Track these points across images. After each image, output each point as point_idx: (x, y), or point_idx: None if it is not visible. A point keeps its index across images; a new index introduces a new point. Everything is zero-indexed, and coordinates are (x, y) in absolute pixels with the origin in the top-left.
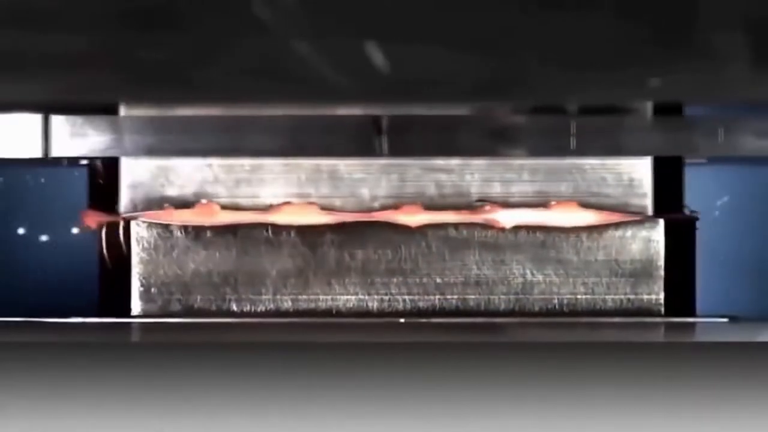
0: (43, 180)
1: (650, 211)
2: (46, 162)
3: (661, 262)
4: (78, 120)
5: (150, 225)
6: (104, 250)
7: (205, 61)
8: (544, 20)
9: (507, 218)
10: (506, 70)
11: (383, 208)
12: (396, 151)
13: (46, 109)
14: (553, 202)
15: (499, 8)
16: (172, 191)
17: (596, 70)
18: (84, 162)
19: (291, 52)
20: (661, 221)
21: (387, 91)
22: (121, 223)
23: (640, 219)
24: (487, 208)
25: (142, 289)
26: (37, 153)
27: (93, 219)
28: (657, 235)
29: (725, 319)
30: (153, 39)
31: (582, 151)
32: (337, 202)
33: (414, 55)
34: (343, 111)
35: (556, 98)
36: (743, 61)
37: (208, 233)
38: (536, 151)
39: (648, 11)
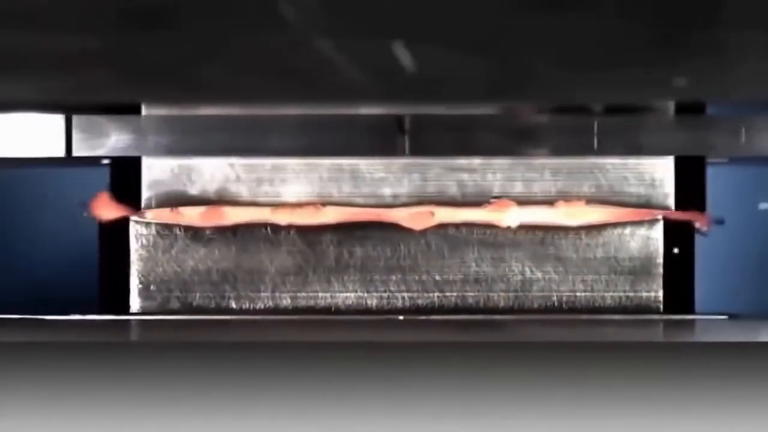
0: (64, 179)
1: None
2: (67, 161)
3: (660, 260)
4: (99, 120)
5: (149, 223)
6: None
7: (223, 60)
8: (562, 21)
9: (517, 217)
10: (526, 70)
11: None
12: (418, 150)
13: (68, 109)
14: (560, 201)
15: (519, 9)
16: (193, 190)
17: (614, 69)
18: (105, 161)
19: (311, 51)
20: (661, 219)
21: (408, 90)
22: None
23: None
24: (494, 203)
25: (140, 286)
26: (60, 152)
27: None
28: (656, 233)
29: (724, 317)
30: (161, 38)
31: (604, 151)
32: (359, 201)
33: (434, 54)
34: (364, 110)
35: (578, 98)
36: (760, 59)
37: (208, 231)
38: (558, 151)
39: (666, 9)
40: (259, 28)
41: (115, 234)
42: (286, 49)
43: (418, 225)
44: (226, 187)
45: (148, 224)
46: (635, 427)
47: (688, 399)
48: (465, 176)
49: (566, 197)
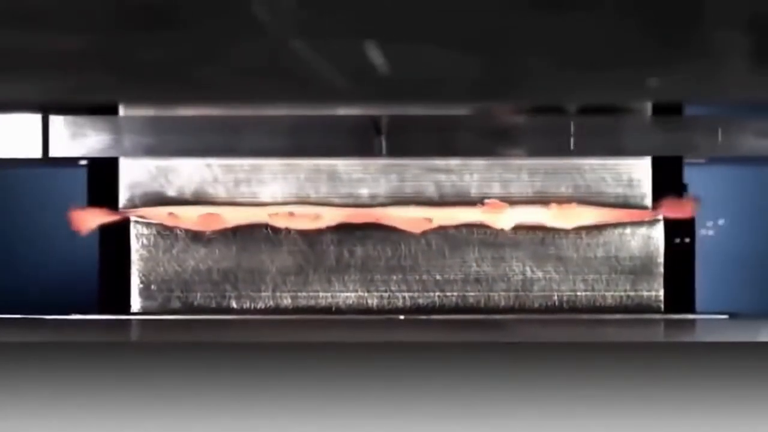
0: (42, 179)
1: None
2: (46, 161)
3: (661, 259)
4: (77, 120)
5: (150, 223)
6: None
7: (204, 61)
8: (543, 20)
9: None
10: (505, 70)
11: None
12: (395, 151)
13: (45, 109)
14: (553, 203)
15: (498, 8)
16: (171, 191)
17: (596, 69)
18: (83, 162)
19: (290, 52)
20: (661, 219)
21: (386, 91)
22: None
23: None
24: (488, 204)
25: (141, 286)
26: (36, 153)
27: (95, 217)
28: (656, 232)
29: (725, 316)
30: (152, 38)
31: (581, 152)
32: (336, 202)
33: (413, 55)
34: (342, 111)
35: (556, 98)
36: (743, 61)
37: (208, 231)
38: (535, 152)
39: (648, 11)
40: (236, 30)
41: (116, 234)
42: (262, 51)
43: (414, 229)
44: (204, 187)
45: (148, 224)
46: (635, 427)
47: (688, 399)
48: (442, 177)
49: (545, 198)
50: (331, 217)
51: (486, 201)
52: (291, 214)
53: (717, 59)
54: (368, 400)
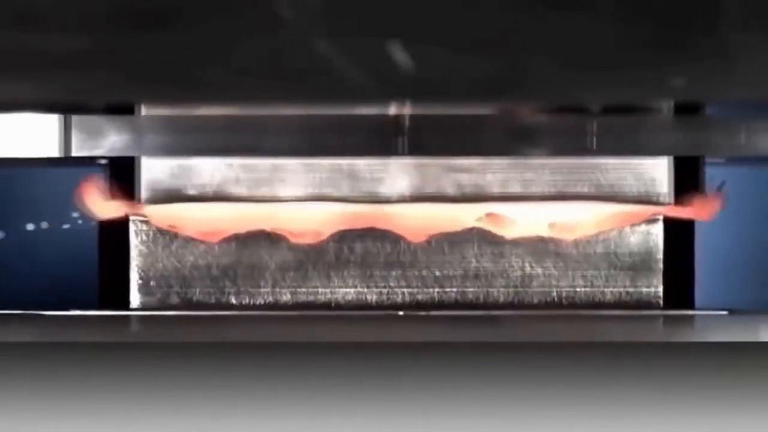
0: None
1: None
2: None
3: (660, 255)
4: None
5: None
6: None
7: (219, 60)
8: (562, 19)
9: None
10: (525, 69)
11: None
12: (415, 150)
13: (66, 109)
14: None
15: (520, 7)
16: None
17: (612, 69)
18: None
19: (309, 50)
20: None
21: (406, 90)
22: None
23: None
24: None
25: (140, 282)
26: (55, 152)
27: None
28: (656, 228)
29: (724, 312)
30: (162, 37)
31: (601, 151)
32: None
33: (432, 54)
34: (361, 111)
35: (577, 98)
36: (762, 59)
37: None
38: (556, 151)
39: (664, 8)
40: (257, 28)
41: (115, 230)
42: (280, 49)
43: (415, 238)
44: (225, 187)
45: (148, 221)
46: (635, 427)
47: (687, 398)
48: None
49: (565, 197)
50: (330, 223)
51: (487, 213)
52: (291, 233)
53: (734, 58)
54: (368, 399)
